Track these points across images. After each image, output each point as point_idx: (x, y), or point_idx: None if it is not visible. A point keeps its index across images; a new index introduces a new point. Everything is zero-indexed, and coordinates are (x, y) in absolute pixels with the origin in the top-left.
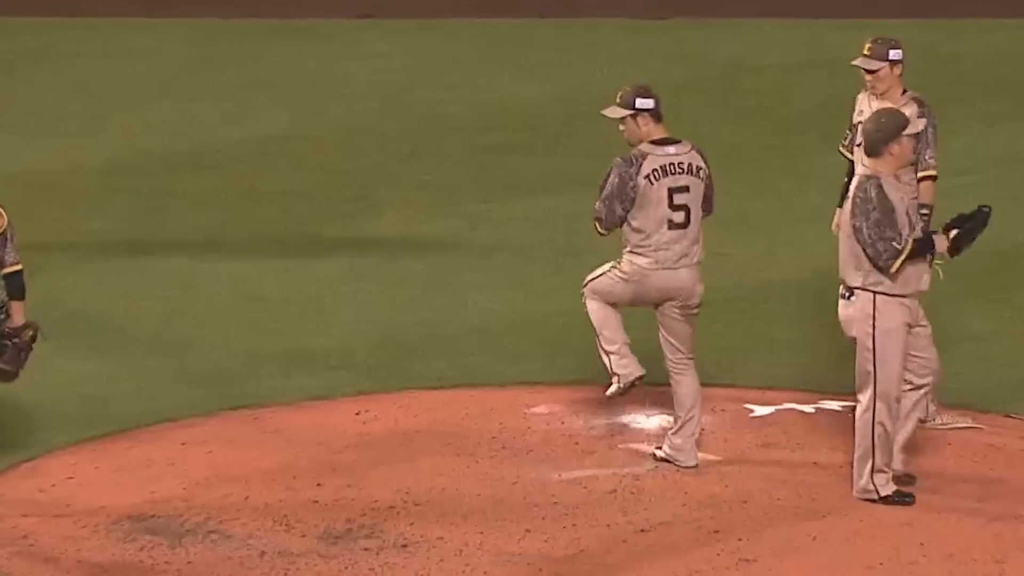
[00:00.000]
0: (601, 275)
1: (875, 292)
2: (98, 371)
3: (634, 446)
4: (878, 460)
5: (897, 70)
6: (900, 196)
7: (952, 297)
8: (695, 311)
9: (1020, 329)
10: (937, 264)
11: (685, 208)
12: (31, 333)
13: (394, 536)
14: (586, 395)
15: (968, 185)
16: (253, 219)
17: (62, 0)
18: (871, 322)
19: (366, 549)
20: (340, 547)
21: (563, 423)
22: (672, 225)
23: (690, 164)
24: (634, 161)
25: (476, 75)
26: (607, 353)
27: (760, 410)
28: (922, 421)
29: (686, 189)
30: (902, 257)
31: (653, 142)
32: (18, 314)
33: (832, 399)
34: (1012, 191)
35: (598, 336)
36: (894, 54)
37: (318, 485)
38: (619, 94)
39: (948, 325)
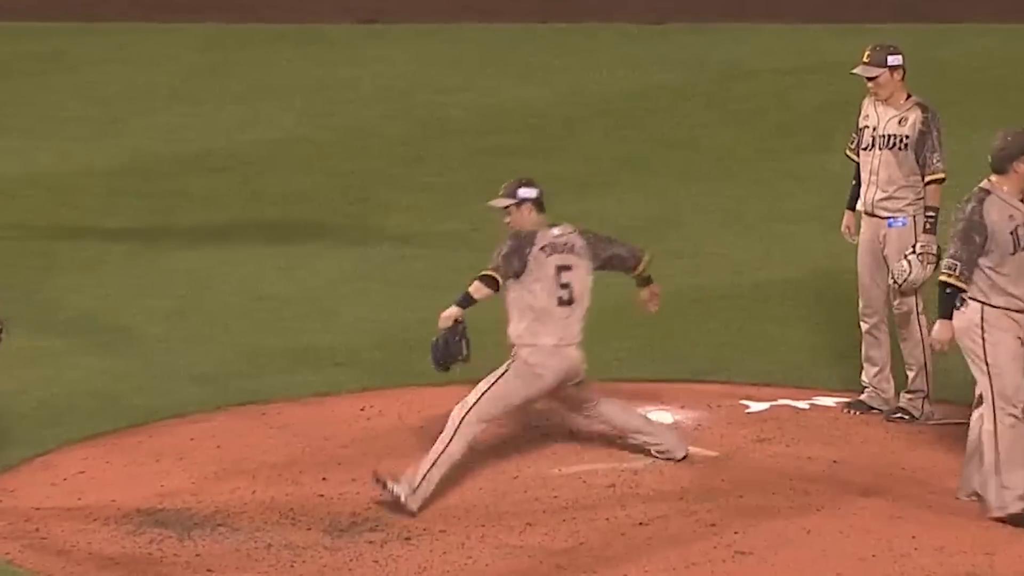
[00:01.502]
0: (489, 388)
1: (983, 303)
2: (109, 368)
3: (632, 441)
4: (1004, 476)
5: (897, 75)
6: (1010, 215)
7: None
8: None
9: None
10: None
11: (569, 287)
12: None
13: (398, 529)
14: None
15: (957, 187)
16: (260, 220)
17: (74, 6)
18: (980, 332)
19: (370, 542)
20: (345, 540)
21: (563, 419)
22: (560, 302)
23: (572, 244)
24: (527, 236)
25: (478, 79)
26: (423, 478)
27: (756, 406)
28: (914, 418)
29: (570, 268)
30: (944, 279)
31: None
32: None
33: (826, 395)
34: None
35: (435, 461)
36: (892, 60)
37: (323, 479)
38: (503, 185)
39: None
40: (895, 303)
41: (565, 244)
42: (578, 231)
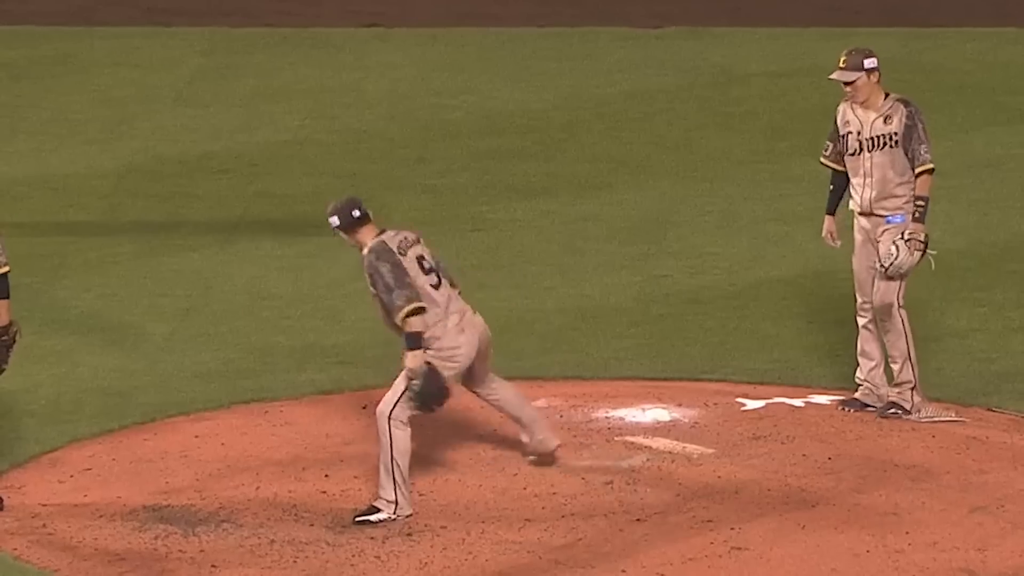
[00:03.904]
0: (407, 389)
1: None
2: (116, 366)
3: (630, 439)
4: None
5: (874, 77)
6: None
7: (934, 296)
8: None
9: (999, 326)
10: (931, 254)
11: (434, 270)
12: (15, 331)
13: (399, 525)
14: (584, 390)
15: (947, 188)
16: (264, 220)
17: (82, 11)
18: None
19: (372, 538)
20: (347, 536)
21: (562, 416)
22: (434, 286)
23: (415, 237)
24: (384, 247)
25: (479, 82)
26: (396, 484)
27: (751, 404)
28: (907, 411)
29: (423, 256)
30: None
31: (379, 231)
32: (4, 313)
33: (821, 393)
34: (988, 194)
35: (393, 463)
36: (869, 63)
37: (326, 476)
38: (331, 214)
39: (931, 323)
40: (875, 295)
41: (406, 239)
42: (412, 230)
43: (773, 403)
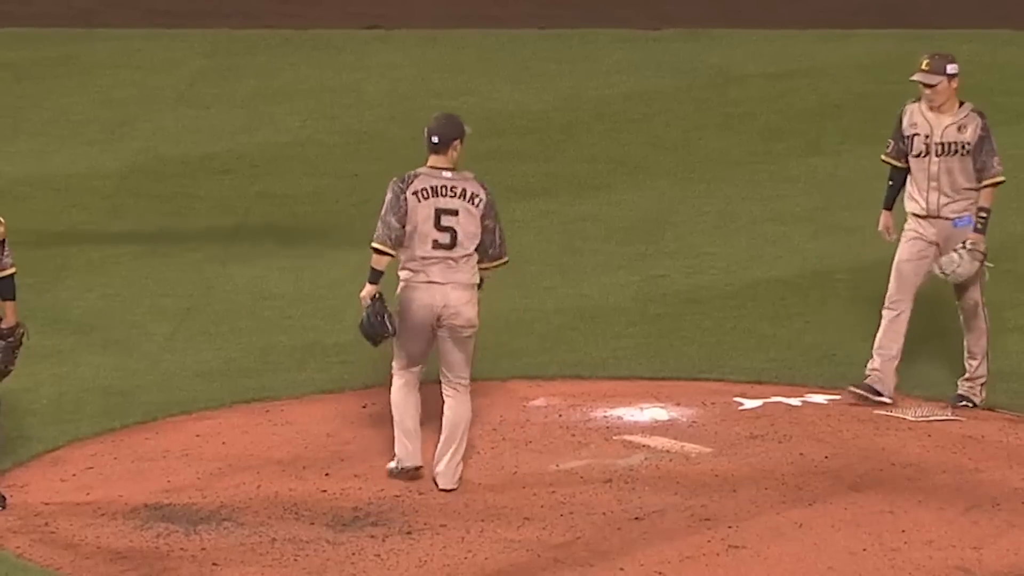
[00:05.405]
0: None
1: None
2: (118, 366)
3: (628, 438)
4: None
5: (954, 83)
6: None
7: (929, 296)
8: (467, 335)
9: (995, 325)
10: (988, 266)
11: (451, 231)
12: (21, 332)
13: (399, 524)
14: (583, 389)
15: None
16: (267, 221)
17: (83, 12)
18: None
19: (372, 536)
20: (347, 534)
21: (560, 416)
22: (436, 245)
23: (464, 190)
24: (406, 179)
25: (478, 83)
26: (397, 435)
27: (749, 403)
28: (975, 405)
29: (455, 212)
30: None
31: (431, 166)
32: (11, 315)
33: (818, 393)
34: None
35: (394, 422)
36: (951, 68)
37: (326, 475)
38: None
39: (927, 322)
40: (961, 297)
41: (452, 189)
42: (482, 184)
43: (770, 402)
